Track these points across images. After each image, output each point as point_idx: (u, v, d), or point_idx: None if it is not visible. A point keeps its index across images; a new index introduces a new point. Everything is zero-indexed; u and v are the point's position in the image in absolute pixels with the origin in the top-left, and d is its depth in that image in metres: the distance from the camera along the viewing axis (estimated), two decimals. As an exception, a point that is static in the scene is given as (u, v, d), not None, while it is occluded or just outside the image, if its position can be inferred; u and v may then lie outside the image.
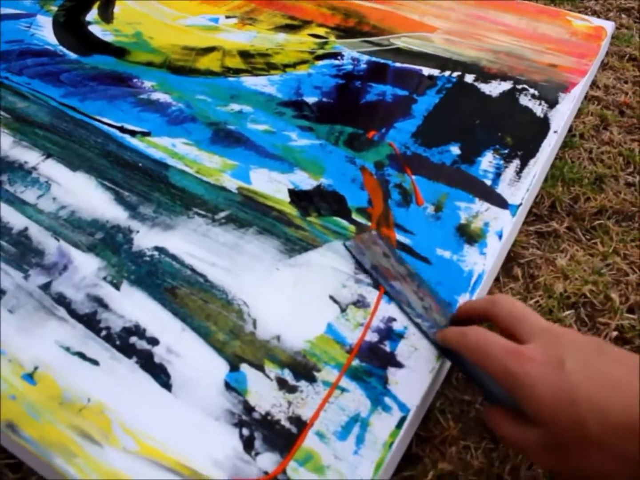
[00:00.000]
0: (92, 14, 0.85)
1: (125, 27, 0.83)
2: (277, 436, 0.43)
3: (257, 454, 0.43)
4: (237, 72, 0.76)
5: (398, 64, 0.77)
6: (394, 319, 0.50)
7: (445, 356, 0.49)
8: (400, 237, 0.56)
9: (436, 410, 0.52)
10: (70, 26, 0.83)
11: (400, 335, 0.49)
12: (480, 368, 0.42)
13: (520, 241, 0.65)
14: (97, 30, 0.82)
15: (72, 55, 0.77)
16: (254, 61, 0.77)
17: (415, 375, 0.47)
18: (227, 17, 0.86)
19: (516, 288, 0.61)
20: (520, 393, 0.38)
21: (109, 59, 0.77)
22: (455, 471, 0.48)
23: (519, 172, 0.63)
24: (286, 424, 0.44)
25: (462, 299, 0.52)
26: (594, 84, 0.87)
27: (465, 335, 0.43)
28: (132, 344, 0.49)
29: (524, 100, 0.72)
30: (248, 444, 0.43)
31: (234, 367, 0.47)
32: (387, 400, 0.45)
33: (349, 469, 0.42)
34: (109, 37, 0.81)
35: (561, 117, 0.70)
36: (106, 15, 0.85)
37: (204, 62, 0.77)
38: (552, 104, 0.72)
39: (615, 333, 0.58)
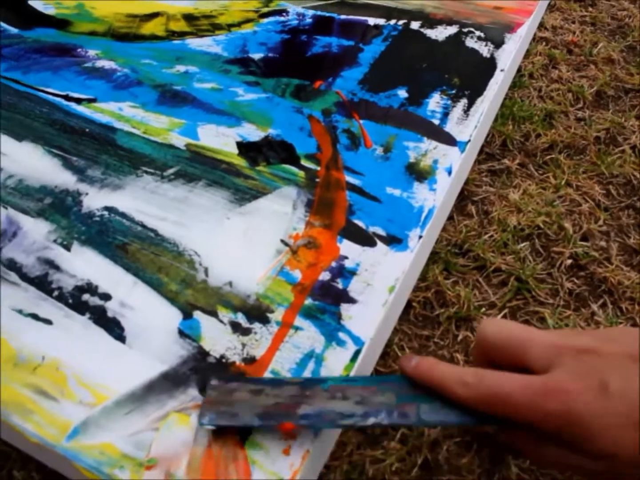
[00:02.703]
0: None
1: (67, -1, 0.82)
2: (232, 377, 0.43)
3: (213, 395, 0.42)
4: (181, 35, 0.75)
5: (343, 16, 0.77)
6: (346, 257, 0.50)
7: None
8: (349, 178, 0.56)
9: (395, 345, 0.52)
10: (9, 1, 0.81)
11: (352, 272, 0.49)
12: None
13: (473, 180, 0.65)
14: (39, 4, 0.81)
15: (13, 30, 0.76)
16: (199, 23, 0.76)
17: (368, 309, 0.47)
18: (170, -18, 0.85)
19: (471, 225, 0.61)
20: (573, 433, 0.32)
21: (51, 31, 0.76)
22: (416, 402, 0.49)
23: (466, 111, 0.63)
24: (241, 365, 0.44)
25: (413, 235, 0.52)
26: (541, 26, 0.87)
27: (465, 383, 0.35)
28: (84, 301, 0.48)
29: (470, 43, 0.72)
30: (204, 388, 0.43)
31: (187, 315, 0.47)
32: (342, 335, 0.46)
33: (306, 402, 0.42)
34: (50, 10, 0.80)
35: (507, 56, 0.70)
36: (47, -11, 0.83)
37: (148, 27, 0.76)
38: (498, 44, 0.72)
39: (569, 261, 0.58)
